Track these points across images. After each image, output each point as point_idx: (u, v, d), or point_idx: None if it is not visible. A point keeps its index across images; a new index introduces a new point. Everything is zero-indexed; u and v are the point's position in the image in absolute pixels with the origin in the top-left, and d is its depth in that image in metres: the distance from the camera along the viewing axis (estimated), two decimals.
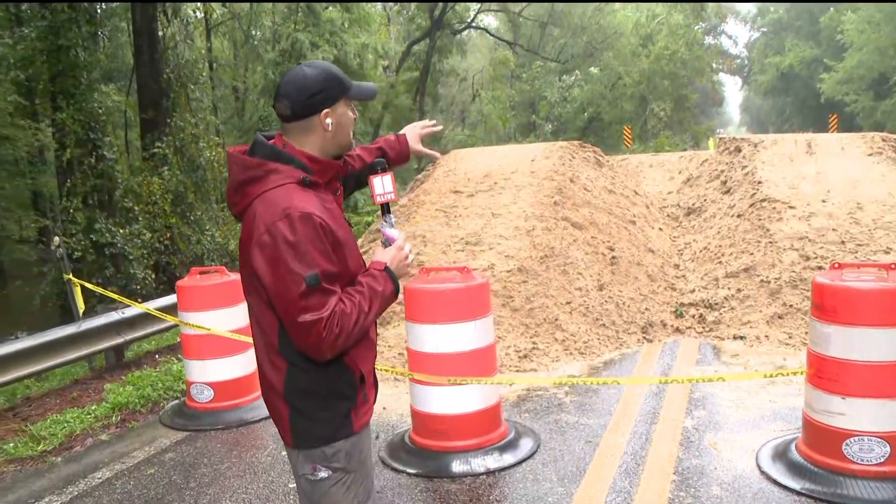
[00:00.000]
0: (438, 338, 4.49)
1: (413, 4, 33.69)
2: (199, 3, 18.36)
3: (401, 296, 3.28)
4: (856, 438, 3.89)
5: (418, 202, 9.09)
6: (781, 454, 4.34)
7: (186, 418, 5.67)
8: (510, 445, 4.64)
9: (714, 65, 50.90)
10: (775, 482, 4.07)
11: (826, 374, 3.98)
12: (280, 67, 22.99)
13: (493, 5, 35.91)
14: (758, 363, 6.16)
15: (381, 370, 4.98)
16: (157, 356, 7.64)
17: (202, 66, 17.24)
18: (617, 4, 42.59)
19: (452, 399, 4.50)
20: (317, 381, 2.23)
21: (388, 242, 2.39)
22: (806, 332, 6.53)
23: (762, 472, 4.19)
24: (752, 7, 60.46)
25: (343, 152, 2.37)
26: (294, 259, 2.06)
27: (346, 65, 24.83)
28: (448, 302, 4.48)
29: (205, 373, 5.64)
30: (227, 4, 24.44)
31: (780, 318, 6.80)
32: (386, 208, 2.44)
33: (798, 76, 52.47)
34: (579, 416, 5.21)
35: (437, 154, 3.06)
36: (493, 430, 4.65)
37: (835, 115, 30.32)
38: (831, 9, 49.13)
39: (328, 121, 2.22)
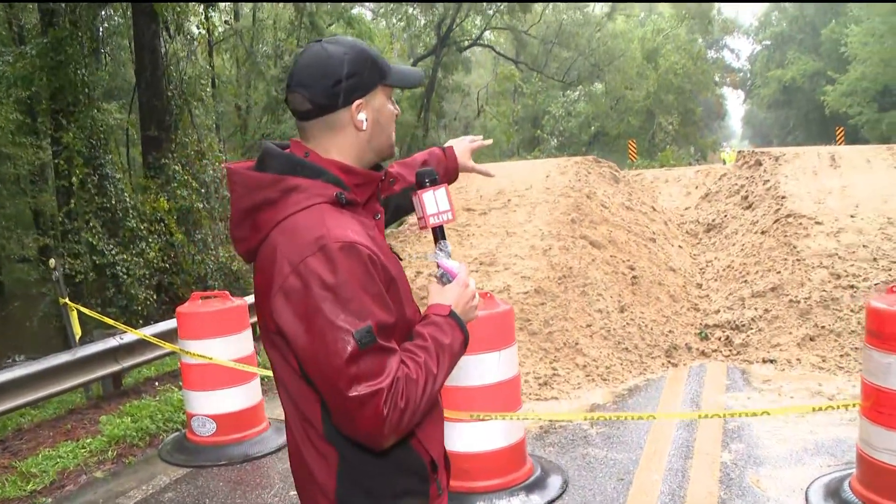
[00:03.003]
0: (459, 370, 4.14)
1: (421, 21, 33.60)
2: (202, 20, 18.12)
3: None
4: None
5: None
6: (834, 494, 3.99)
7: (187, 453, 5.32)
8: (537, 485, 4.29)
9: (717, 78, 50.92)
10: None
11: (888, 408, 3.64)
12: (283, 84, 22.75)
13: (500, 22, 35.77)
14: (791, 389, 5.81)
15: None
16: (156, 383, 7.29)
17: (205, 83, 16.98)
18: (619, 20, 42.53)
19: (475, 436, 4.16)
20: (377, 477, 1.66)
21: (446, 278, 1.81)
22: (840, 355, 6.21)
23: None
24: (754, 20, 60.49)
25: (382, 160, 1.79)
26: (336, 308, 1.49)
27: None
28: (470, 331, 4.14)
29: (206, 404, 5.30)
30: (230, 21, 24.31)
31: (811, 339, 6.45)
32: (440, 233, 1.87)
33: (800, 89, 52.32)
34: (608, 449, 4.86)
35: (490, 171, 2.60)
36: (519, 469, 4.31)
37: (841, 128, 30.06)
38: (833, 21, 49.12)
39: (361, 116, 1.66)
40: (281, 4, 24.11)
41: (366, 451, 1.63)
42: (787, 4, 56.94)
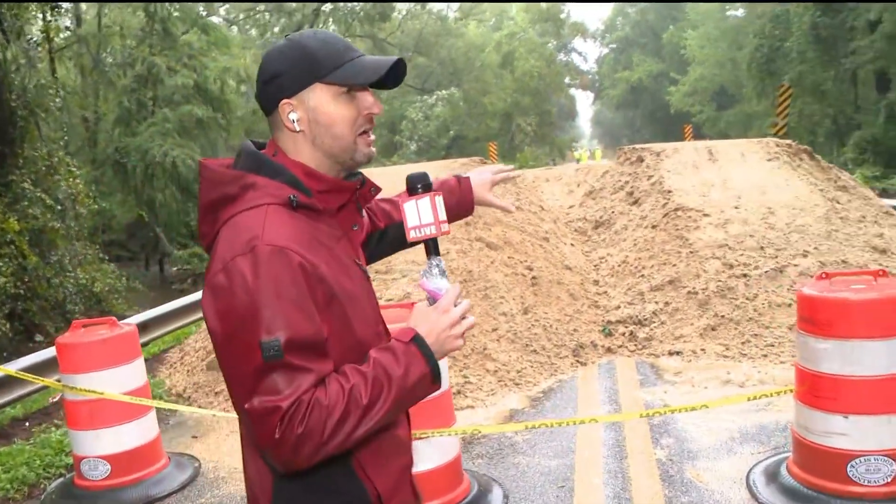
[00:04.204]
0: None
1: (276, 29, 32.83)
2: (44, 23, 16.78)
3: None
4: (862, 459, 3.59)
5: None
6: (773, 479, 4.01)
7: (77, 500, 4.74)
8: (478, 502, 4.08)
9: (568, 80, 52.82)
10: None
11: (823, 392, 3.67)
12: (136, 94, 21.54)
13: (360, 30, 35.52)
14: (702, 379, 5.87)
15: None
16: (27, 423, 6.55)
17: (53, 93, 15.71)
18: (472, 26, 43.26)
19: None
20: (312, 499, 1.56)
21: (431, 300, 1.61)
22: (742, 343, 6.35)
23: None
24: (600, 24, 63.28)
25: (345, 165, 1.62)
26: (250, 314, 1.40)
27: (207, 89, 23.62)
28: None
29: (98, 444, 4.73)
30: (71, 27, 22.76)
31: (713, 329, 6.58)
32: (432, 248, 1.66)
33: (646, 89, 55.31)
34: (539, 456, 4.71)
35: (511, 207, 2.35)
36: (456, 487, 4.08)
37: (688, 125, 31.76)
38: (671, 27, 52.35)
39: (292, 116, 1.56)
40: (129, 9, 22.80)
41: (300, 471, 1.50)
42: (629, 10, 59.98)
